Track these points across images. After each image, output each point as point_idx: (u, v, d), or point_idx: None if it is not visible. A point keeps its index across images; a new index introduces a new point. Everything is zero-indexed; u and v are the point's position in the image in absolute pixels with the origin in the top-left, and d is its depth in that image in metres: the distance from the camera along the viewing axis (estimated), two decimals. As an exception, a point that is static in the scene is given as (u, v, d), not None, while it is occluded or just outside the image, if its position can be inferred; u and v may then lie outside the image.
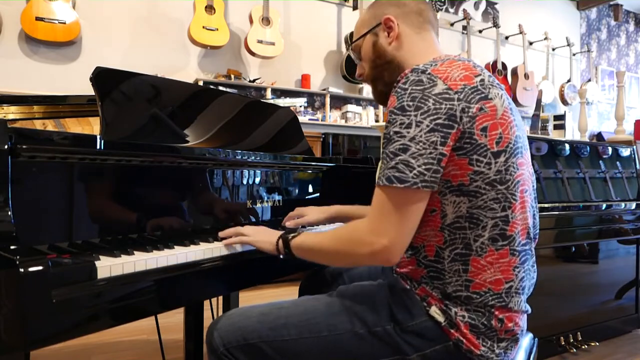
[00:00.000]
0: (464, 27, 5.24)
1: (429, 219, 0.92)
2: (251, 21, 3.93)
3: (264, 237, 1.08)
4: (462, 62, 0.92)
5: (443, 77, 0.87)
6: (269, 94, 4.08)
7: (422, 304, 0.93)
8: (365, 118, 4.47)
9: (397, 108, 0.86)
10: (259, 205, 1.36)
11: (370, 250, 0.86)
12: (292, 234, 1.04)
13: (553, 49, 6.08)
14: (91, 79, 1.07)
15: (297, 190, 1.53)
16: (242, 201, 1.31)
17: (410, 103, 0.85)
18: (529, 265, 0.95)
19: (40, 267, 0.69)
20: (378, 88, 1.10)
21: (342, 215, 1.35)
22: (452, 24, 5.32)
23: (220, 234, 1.12)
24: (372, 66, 1.09)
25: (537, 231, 1.01)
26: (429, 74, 0.87)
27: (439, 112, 0.84)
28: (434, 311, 0.91)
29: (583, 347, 2.15)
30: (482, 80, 0.89)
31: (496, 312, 0.90)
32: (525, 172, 0.94)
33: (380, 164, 0.89)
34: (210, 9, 3.71)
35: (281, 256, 1.06)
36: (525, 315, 0.97)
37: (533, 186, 1.00)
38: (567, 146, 2.33)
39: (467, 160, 0.86)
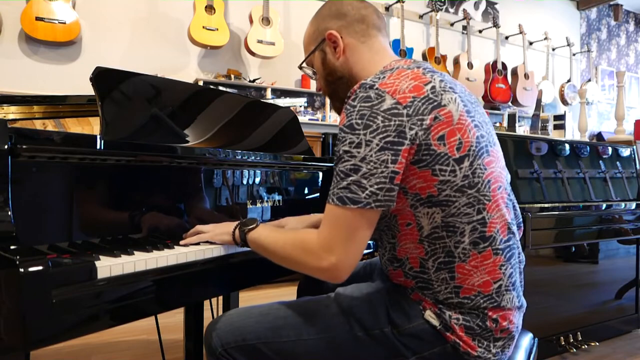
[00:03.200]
0: (464, 27, 5.24)
1: (406, 232, 0.92)
2: (251, 21, 3.93)
3: (221, 230, 1.06)
4: (411, 71, 0.90)
5: (391, 90, 0.85)
6: (269, 94, 4.08)
7: (418, 306, 0.93)
8: (365, 118, 4.46)
9: (346, 126, 0.85)
10: (259, 205, 1.36)
11: (318, 265, 0.86)
12: (250, 227, 1.02)
13: (553, 49, 6.08)
14: (91, 79, 1.07)
15: (297, 190, 1.53)
16: (242, 201, 1.31)
17: (359, 121, 0.83)
18: (515, 259, 0.95)
19: (40, 267, 0.69)
20: (336, 104, 1.09)
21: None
22: (452, 24, 5.31)
23: (182, 242, 1.06)
24: (326, 83, 1.07)
25: (520, 220, 1.01)
26: (376, 89, 0.85)
27: (387, 129, 0.82)
28: (429, 315, 0.91)
29: (583, 347, 2.15)
30: (433, 87, 0.87)
31: (490, 313, 0.90)
32: (496, 169, 0.92)
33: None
34: (210, 9, 3.71)
35: (239, 246, 1.05)
36: (520, 312, 0.96)
37: (507, 180, 0.98)
38: (567, 146, 2.33)
39: (430, 172, 0.85)
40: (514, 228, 0.96)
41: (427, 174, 0.85)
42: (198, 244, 1.06)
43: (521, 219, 1.02)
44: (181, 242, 1.05)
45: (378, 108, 0.83)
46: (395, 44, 4.60)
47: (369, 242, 1.51)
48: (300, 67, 1.13)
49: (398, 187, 0.84)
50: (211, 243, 1.07)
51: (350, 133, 0.84)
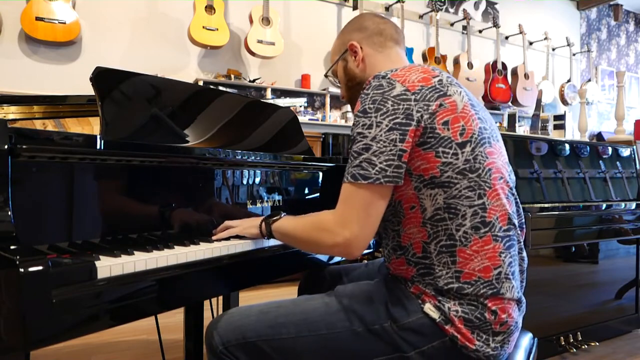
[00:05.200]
0: (464, 27, 5.24)
1: (410, 216, 0.95)
2: (251, 21, 3.93)
3: (249, 224, 1.14)
4: (421, 67, 0.98)
5: (401, 80, 0.93)
6: (269, 94, 4.08)
7: (417, 300, 0.94)
8: (365, 118, 4.46)
9: (360, 111, 0.93)
10: (259, 205, 1.36)
11: (333, 241, 0.91)
12: (274, 218, 1.10)
13: (553, 49, 6.08)
14: (91, 79, 1.07)
15: (297, 190, 1.53)
16: (242, 201, 1.31)
17: (371, 106, 0.91)
18: (514, 251, 0.97)
19: (40, 267, 0.69)
20: (354, 108, 1.14)
21: None
22: (452, 24, 5.32)
23: (214, 237, 1.14)
24: (346, 88, 1.20)
25: (523, 220, 1.04)
26: (388, 78, 0.94)
27: (397, 112, 0.90)
28: (428, 308, 0.92)
29: (583, 347, 2.15)
30: (440, 80, 0.95)
31: (489, 304, 0.91)
32: (497, 161, 0.97)
33: None
34: (210, 9, 3.71)
35: (265, 238, 1.12)
36: (520, 309, 0.97)
37: (510, 176, 1.02)
38: (567, 146, 2.33)
39: (434, 154, 0.91)
40: (515, 221, 0.98)
41: (431, 156, 0.91)
42: (228, 238, 1.12)
43: (524, 219, 1.06)
44: (213, 238, 1.12)
45: (389, 94, 0.91)
46: (395, 44, 4.59)
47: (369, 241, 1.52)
48: (326, 76, 1.27)
49: (405, 164, 0.90)
50: (240, 237, 1.13)
51: (363, 117, 0.92)
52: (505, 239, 0.94)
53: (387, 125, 0.89)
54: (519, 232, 1.00)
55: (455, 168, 0.91)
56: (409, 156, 0.90)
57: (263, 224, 1.11)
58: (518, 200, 1.04)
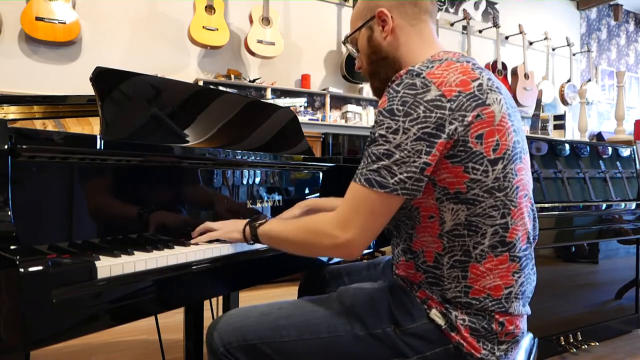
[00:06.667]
0: (464, 27, 5.23)
1: (428, 225, 0.91)
2: (251, 21, 3.93)
3: (231, 227, 1.08)
4: (460, 65, 0.89)
5: (438, 82, 0.84)
6: (269, 94, 4.08)
7: (422, 306, 0.93)
8: (365, 118, 4.47)
9: (386, 110, 0.84)
10: (258, 205, 1.36)
11: (333, 243, 0.87)
12: (260, 221, 1.03)
13: (553, 49, 6.08)
14: (91, 79, 1.07)
15: (297, 191, 1.53)
16: (242, 201, 1.31)
17: (400, 107, 0.83)
18: (529, 269, 0.94)
19: (40, 267, 0.69)
20: (375, 84, 1.08)
21: (316, 208, 1.30)
22: (452, 24, 5.31)
23: (193, 238, 1.10)
24: (369, 61, 1.05)
25: (537, 233, 1.01)
26: (423, 77, 0.84)
27: (428, 120, 0.82)
28: (434, 314, 0.91)
29: (583, 347, 2.15)
30: (480, 84, 0.86)
31: (496, 316, 0.90)
32: (525, 177, 0.93)
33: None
34: (210, 9, 3.71)
35: (249, 243, 1.06)
36: (526, 317, 0.97)
37: (532, 188, 0.99)
38: (567, 146, 2.33)
39: (463, 168, 0.85)
40: (531, 238, 0.96)
41: (459, 170, 0.85)
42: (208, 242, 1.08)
43: (538, 232, 1.01)
44: (192, 241, 1.07)
45: (422, 97, 0.83)
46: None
47: (369, 244, 1.52)
48: (344, 43, 1.13)
49: (427, 178, 0.84)
50: (221, 241, 1.08)
51: (389, 118, 0.84)
52: (523, 259, 0.91)
53: (414, 134, 0.81)
54: (532, 246, 0.97)
55: (483, 186, 0.85)
56: (434, 167, 0.84)
57: (247, 227, 1.05)
58: (536, 213, 0.99)
